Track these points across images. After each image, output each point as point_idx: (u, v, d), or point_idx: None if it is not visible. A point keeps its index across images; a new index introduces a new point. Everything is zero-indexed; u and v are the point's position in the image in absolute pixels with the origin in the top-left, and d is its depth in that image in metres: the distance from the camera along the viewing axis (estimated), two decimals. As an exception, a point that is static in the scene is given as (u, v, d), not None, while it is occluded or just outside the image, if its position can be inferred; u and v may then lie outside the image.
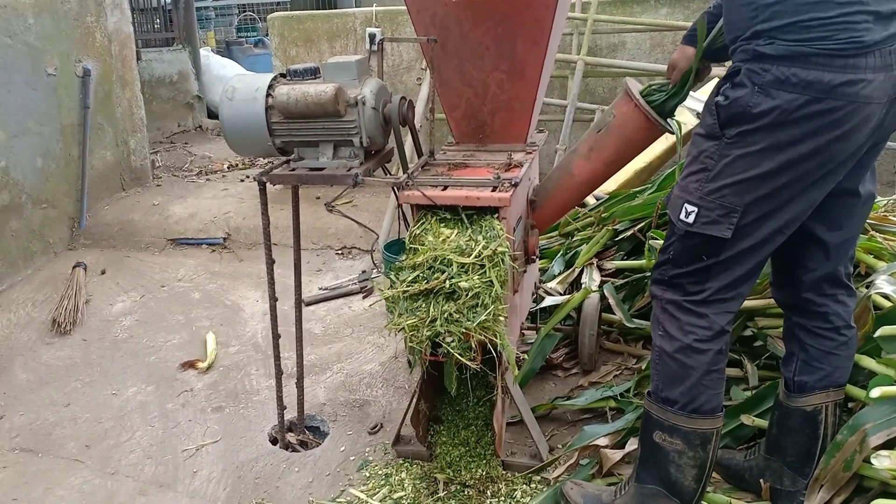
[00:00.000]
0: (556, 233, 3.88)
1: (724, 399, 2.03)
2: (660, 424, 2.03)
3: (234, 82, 2.36)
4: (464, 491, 2.46)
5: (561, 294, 3.30)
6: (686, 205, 1.86)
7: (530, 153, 2.64)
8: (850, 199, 1.95)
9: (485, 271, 2.13)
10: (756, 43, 1.71)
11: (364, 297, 4.11)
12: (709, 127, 1.82)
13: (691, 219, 1.85)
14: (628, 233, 3.50)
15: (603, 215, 3.69)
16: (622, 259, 3.50)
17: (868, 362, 2.25)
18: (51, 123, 4.81)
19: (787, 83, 1.67)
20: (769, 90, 1.69)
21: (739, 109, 1.74)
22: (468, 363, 2.15)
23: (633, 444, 2.49)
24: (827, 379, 2.08)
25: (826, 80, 1.64)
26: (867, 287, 2.48)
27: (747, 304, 2.72)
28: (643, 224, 3.46)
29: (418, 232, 2.25)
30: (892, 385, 2.09)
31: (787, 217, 1.83)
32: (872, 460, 1.96)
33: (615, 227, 3.55)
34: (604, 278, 3.35)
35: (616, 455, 2.46)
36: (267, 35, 10.34)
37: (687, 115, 3.97)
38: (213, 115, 8.39)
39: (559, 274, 3.51)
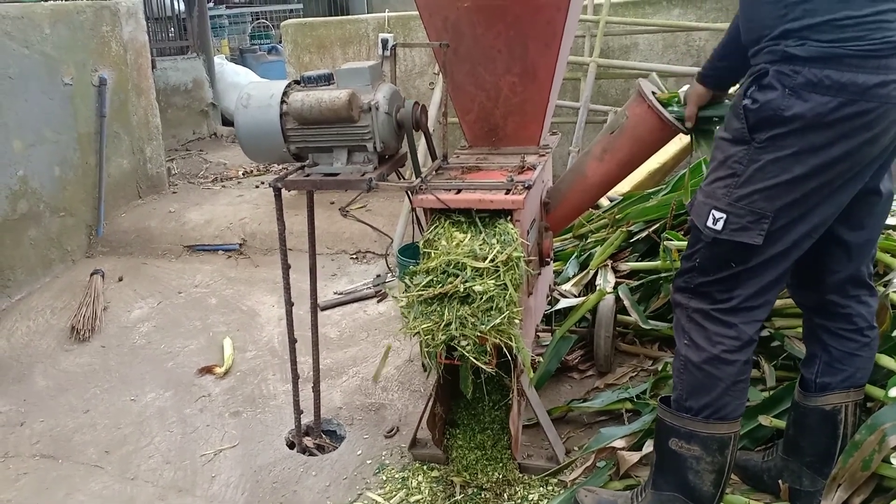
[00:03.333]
0: (570, 235, 3.88)
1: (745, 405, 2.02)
2: (675, 431, 2.01)
3: (249, 89, 2.38)
4: (480, 494, 2.46)
5: (576, 296, 3.29)
6: (713, 211, 1.82)
7: (543, 155, 2.64)
8: (871, 199, 1.93)
9: (499, 275, 2.13)
10: (785, 43, 1.67)
11: (379, 302, 4.12)
12: (736, 131, 1.78)
13: (719, 226, 1.82)
14: (643, 234, 3.49)
15: (617, 217, 3.68)
16: (637, 260, 3.49)
17: (887, 361, 2.24)
18: (67, 132, 4.86)
19: (819, 86, 1.64)
20: (801, 93, 1.66)
21: (770, 113, 1.70)
22: (483, 367, 2.15)
23: (649, 446, 2.48)
24: (849, 380, 2.06)
25: (860, 81, 1.62)
26: (885, 286, 2.47)
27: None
28: (658, 225, 3.45)
29: (432, 236, 2.26)
30: (912, 384, 2.08)
31: (816, 221, 1.81)
32: (892, 460, 1.95)
33: (629, 229, 3.54)
34: (618, 280, 3.34)
35: (633, 457, 2.45)
36: (280, 42, 10.39)
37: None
38: (227, 122, 8.44)
39: (574, 276, 3.51)
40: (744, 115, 1.75)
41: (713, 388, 1.93)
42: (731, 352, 1.90)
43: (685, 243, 3.07)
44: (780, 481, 2.20)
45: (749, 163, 1.77)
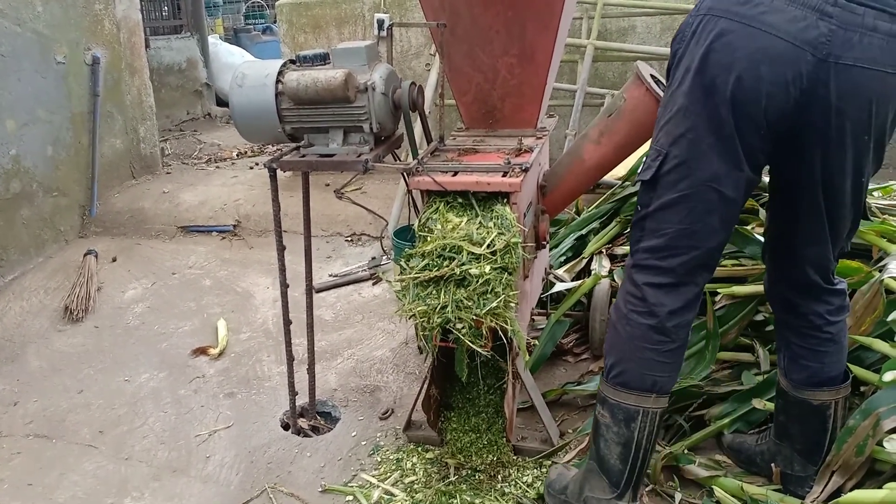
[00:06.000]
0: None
1: (670, 384, 1.94)
2: (599, 397, 2.03)
3: (244, 69, 2.36)
4: (474, 475, 2.46)
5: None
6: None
7: (541, 138, 2.62)
8: (817, 216, 1.80)
9: (496, 259, 2.12)
10: None
11: (374, 284, 4.12)
12: None
13: (640, 169, 1.84)
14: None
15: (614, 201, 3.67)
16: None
17: (881, 346, 2.24)
18: (61, 112, 4.82)
19: (696, 9, 1.64)
20: (689, 19, 1.67)
21: (675, 47, 1.73)
22: (479, 350, 2.15)
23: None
24: (816, 376, 2.02)
25: None
26: (880, 271, 2.47)
27: (758, 288, 2.71)
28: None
29: (427, 219, 2.25)
30: (906, 369, 2.08)
31: (713, 168, 1.68)
32: (885, 444, 1.96)
33: (626, 218, 3.53)
34: (614, 266, 3.34)
35: (627, 440, 2.46)
36: (275, 22, 10.30)
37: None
38: (221, 102, 8.39)
39: (566, 261, 3.52)
40: None
41: (617, 345, 1.92)
42: (636, 313, 1.86)
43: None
44: (772, 465, 2.21)
45: (663, 104, 1.79)
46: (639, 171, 1.84)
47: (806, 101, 1.60)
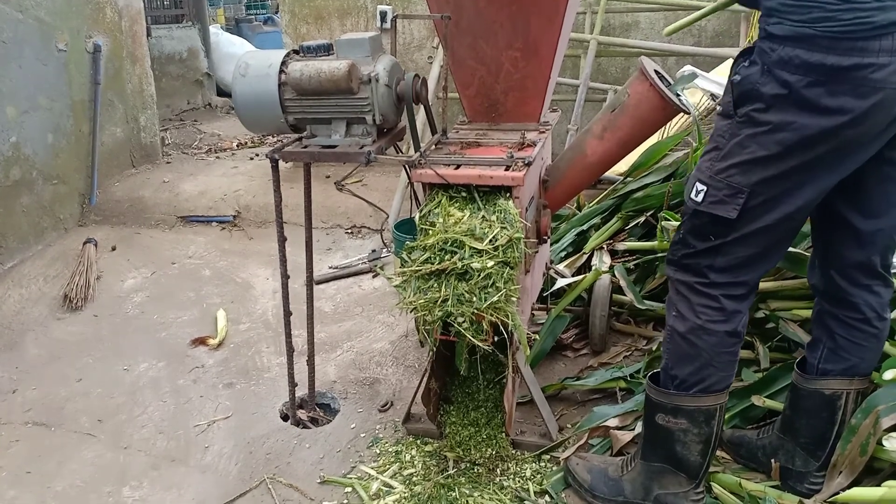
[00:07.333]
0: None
1: (733, 378, 2.04)
2: (662, 407, 2.05)
3: (248, 58, 2.35)
4: (473, 469, 2.47)
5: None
6: (697, 183, 1.86)
7: (543, 132, 2.62)
8: (887, 187, 1.87)
9: (498, 253, 2.12)
10: (768, 21, 1.69)
11: (374, 276, 4.12)
12: (725, 105, 1.81)
13: (700, 198, 1.84)
14: (641, 218, 3.48)
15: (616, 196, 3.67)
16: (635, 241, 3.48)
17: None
18: (61, 99, 4.80)
19: (790, 64, 1.64)
20: (774, 70, 1.67)
21: (749, 87, 1.72)
22: (479, 343, 2.15)
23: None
24: (852, 369, 2.06)
25: (829, 63, 1.60)
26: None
27: (760, 285, 2.71)
28: (654, 210, 3.45)
29: (429, 212, 2.25)
30: (906, 367, 2.08)
31: (799, 202, 1.79)
32: (884, 442, 1.96)
33: (627, 213, 3.53)
34: (615, 262, 3.34)
35: (626, 436, 2.46)
36: (277, 12, 10.28)
37: (700, 96, 3.94)
38: (222, 92, 8.38)
39: (567, 256, 3.51)
40: (730, 89, 1.78)
41: (696, 357, 1.96)
42: (713, 322, 1.92)
43: (682, 223, 3.08)
44: (773, 460, 2.22)
45: (730, 137, 1.79)
46: (700, 201, 1.84)
47: None
